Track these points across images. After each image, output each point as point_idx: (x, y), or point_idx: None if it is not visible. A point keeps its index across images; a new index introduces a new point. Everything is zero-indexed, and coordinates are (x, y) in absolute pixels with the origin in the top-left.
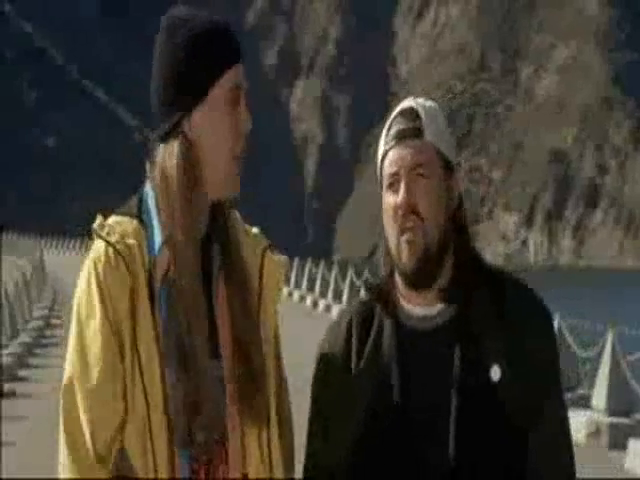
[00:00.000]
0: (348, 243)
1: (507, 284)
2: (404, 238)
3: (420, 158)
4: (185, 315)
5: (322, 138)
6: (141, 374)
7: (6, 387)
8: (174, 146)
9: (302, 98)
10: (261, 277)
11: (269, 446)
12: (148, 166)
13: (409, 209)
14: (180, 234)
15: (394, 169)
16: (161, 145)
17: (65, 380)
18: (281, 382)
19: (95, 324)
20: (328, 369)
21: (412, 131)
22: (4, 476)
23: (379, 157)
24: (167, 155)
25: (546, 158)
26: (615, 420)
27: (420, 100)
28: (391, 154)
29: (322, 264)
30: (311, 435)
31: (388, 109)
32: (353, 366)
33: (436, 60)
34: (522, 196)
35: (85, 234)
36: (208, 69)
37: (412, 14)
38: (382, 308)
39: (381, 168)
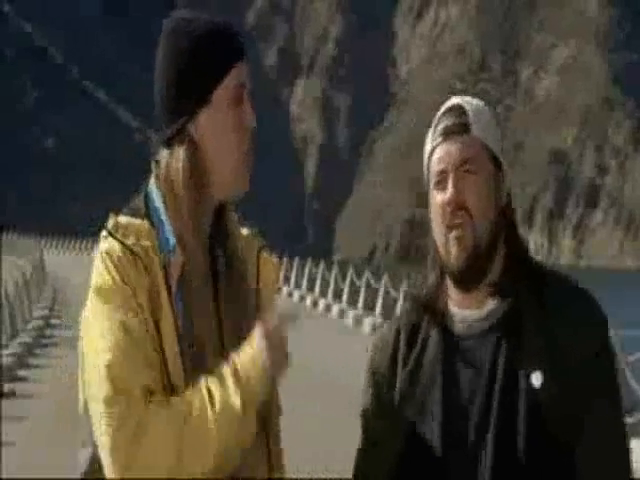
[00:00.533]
0: (348, 243)
1: (549, 279)
2: (452, 235)
3: (467, 154)
4: (197, 320)
5: (322, 138)
6: (166, 370)
7: (6, 387)
8: (180, 150)
9: (302, 98)
10: (258, 277)
11: (268, 447)
12: (153, 165)
13: (457, 206)
14: (189, 237)
15: (441, 166)
16: (166, 147)
17: (103, 356)
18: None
19: (125, 300)
20: (374, 382)
21: (459, 127)
22: (4, 476)
23: (426, 155)
24: (173, 159)
25: (546, 158)
26: None
27: (467, 98)
28: (438, 151)
29: (322, 264)
30: (360, 450)
31: (388, 109)
32: (398, 377)
33: (436, 60)
34: (522, 196)
35: (85, 233)
36: (211, 72)
37: (412, 14)
38: (429, 316)
39: (428, 166)
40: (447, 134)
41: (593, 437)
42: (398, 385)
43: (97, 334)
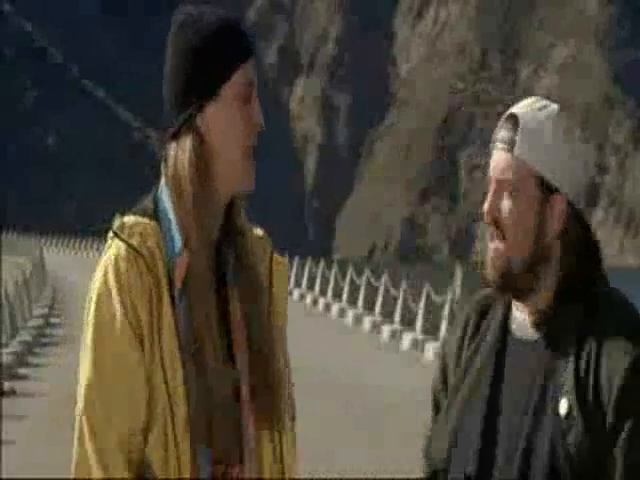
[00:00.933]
0: (348, 242)
1: (602, 305)
2: (491, 245)
3: (506, 176)
4: (199, 320)
5: (322, 137)
6: (164, 376)
7: (6, 385)
8: (186, 142)
9: (302, 97)
10: (271, 279)
11: (281, 447)
12: (162, 165)
13: (492, 222)
14: (194, 233)
15: (489, 175)
16: (173, 142)
17: (84, 383)
18: (288, 379)
19: (116, 327)
20: (443, 364)
21: (506, 142)
22: (4, 476)
23: None
24: (179, 151)
25: None
26: None
27: (534, 105)
28: (493, 157)
29: (322, 263)
30: (430, 429)
31: (388, 108)
32: (462, 359)
33: (436, 59)
34: None
35: (85, 232)
36: (220, 69)
37: (412, 13)
38: (496, 305)
39: None
40: (496, 142)
41: (626, 458)
42: (460, 367)
43: (84, 357)
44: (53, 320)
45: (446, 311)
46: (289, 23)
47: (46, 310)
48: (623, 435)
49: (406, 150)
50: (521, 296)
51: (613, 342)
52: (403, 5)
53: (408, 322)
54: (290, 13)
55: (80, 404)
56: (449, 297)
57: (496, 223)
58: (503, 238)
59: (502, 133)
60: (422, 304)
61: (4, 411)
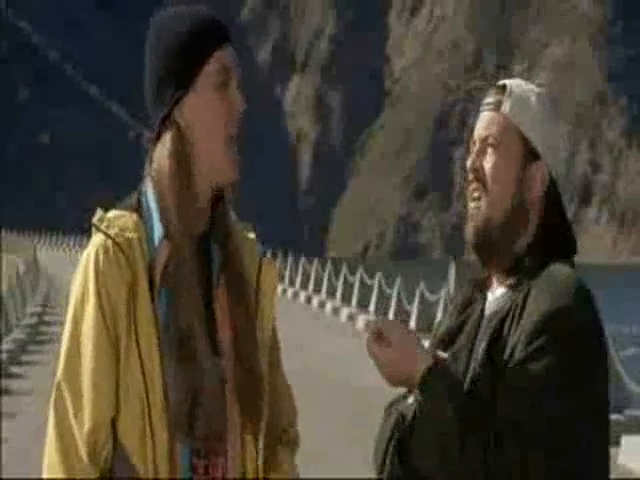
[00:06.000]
0: (342, 240)
1: (544, 275)
2: (471, 206)
3: (490, 130)
4: (183, 312)
5: (316, 135)
6: (142, 367)
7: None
8: (167, 137)
9: (296, 95)
10: (258, 280)
11: (257, 447)
12: (147, 163)
13: (475, 176)
14: (175, 224)
15: (474, 134)
16: (157, 141)
17: (57, 377)
18: (283, 378)
19: (89, 320)
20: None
21: (493, 104)
22: (3, 475)
23: None
24: (160, 147)
25: None
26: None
27: (519, 81)
28: (477, 120)
29: (316, 261)
30: None
31: (382, 106)
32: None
33: (430, 57)
34: None
35: (79, 230)
36: (191, 59)
37: (406, 10)
38: (475, 291)
39: None
40: (483, 106)
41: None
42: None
43: (63, 346)
44: (47, 318)
45: (440, 310)
46: (283, 21)
47: (40, 308)
48: (517, 358)
49: (400, 148)
50: (494, 257)
51: (535, 302)
52: (397, 2)
53: (402, 321)
54: (284, 11)
55: (51, 399)
56: (443, 295)
57: (478, 179)
58: (484, 192)
59: (490, 98)
60: (416, 303)
61: None
